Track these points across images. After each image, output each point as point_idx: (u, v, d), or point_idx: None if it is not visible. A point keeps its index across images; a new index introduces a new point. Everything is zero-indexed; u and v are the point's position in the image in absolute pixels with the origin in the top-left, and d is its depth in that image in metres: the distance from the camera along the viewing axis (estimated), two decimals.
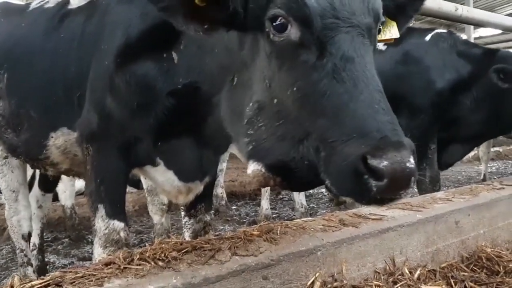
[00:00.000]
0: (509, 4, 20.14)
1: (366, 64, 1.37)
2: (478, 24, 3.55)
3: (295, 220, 2.51)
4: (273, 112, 1.48)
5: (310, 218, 2.57)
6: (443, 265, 2.76)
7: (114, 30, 2.20)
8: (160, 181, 2.39)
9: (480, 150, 8.64)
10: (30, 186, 3.97)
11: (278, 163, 1.47)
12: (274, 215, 6.11)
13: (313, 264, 2.16)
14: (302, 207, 5.70)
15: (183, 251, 1.89)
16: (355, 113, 1.29)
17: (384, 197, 1.28)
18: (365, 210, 2.84)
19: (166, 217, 4.49)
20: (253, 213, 6.62)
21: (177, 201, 2.53)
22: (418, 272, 2.52)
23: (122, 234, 2.30)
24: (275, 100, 1.47)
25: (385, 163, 1.20)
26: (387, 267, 2.50)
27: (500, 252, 2.94)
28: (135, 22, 2.14)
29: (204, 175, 2.38)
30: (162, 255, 1.85)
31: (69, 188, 5.63)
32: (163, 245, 1.94)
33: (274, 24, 1.44)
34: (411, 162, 1.23)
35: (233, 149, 2.13)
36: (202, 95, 2.01)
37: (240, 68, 1.67)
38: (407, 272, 2.50)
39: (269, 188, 5.75)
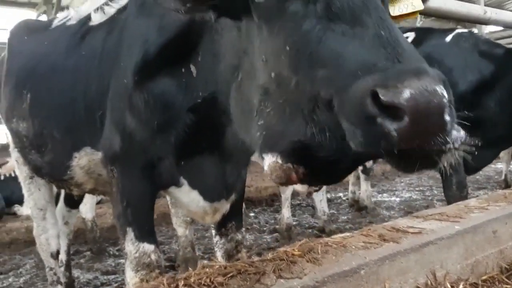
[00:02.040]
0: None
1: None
2: (506, 26, 3.49)
3: (333, 237, 2.46)
4: (275, 90, 1.28)
5: (348, 234, 2.52)
6: (484, 278, 2.70)
7: (132, 46, 2.16)
8: (185, 202, 2.35)
9: None
10: (56, 202, 3.95)
11: (294, 145, 1.23)
12: (294, 222, 6.06)
13: (357, 284, 2.11)
14: (324, 215, 5.64)
15: (228, 276, 1.85)
16: (360, 50, 1.08)
17: (413, 152, 0.99)
18: (402, 222, 2.79)
19: (190, 229, 4.46)
20: (272, 221, 6.58)
21: (204, 222, 2.49)
22: (461, 286, 2.46)
23: (153, 256, 2.26)
24: (273, 74, 1.28)
25: (402, 93, 0.94)
26: (429, 282, 2.45)
27: None
28: (152, 36, 2.09)
29: (229, 193, 2.33)
30: (208, 280, 1.81)
31: (89, 201, 5.63)
32: (207, 269, 1.90)
33: None
34: (439, 90, 0.96)
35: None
36: (219, 106, 1.96)
37: (242, 60, 1.58)
38: (449, 287, 2.45)
39: (290, 195, 5.70)
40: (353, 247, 2.29)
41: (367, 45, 1.07)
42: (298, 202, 7.76)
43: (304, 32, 1.18)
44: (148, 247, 2.25)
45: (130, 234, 2.25)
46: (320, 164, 1.22)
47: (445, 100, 0.96)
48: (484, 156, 4.43)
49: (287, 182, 1.30)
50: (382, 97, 0.95)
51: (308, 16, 1.19)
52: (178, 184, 2.23)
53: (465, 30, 4.43)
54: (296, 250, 2.17)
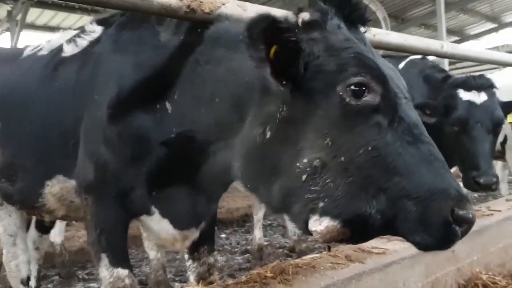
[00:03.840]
0: (478, 24, 20.96)
1: (424, 128, 1.59)
2: (462, 59, 3.75)
3: (303, 258, 2.58)
4: (341, 169, 1.51)
5: (317, 255, 2.65)
6: None
7: (107, 80, 2.22)
8: (155, 230, 2.39)
9: None
10: (27, 227, 3.92)
11: (355, 218, 1.50)
12: (265, 243, 6.15)
13: None
14: (295, 235, 5.75)
15: None
16: (430, 171, 1.50)
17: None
18: (367, 244, 2.94)
19: (161, 252, 4.50)
20: (244, 241, 6.65)
21: (174, 248, 2.55)
22: None
23: (127, 281, 2.31)
24: (343, 158, 1.51)
25: (467, 212, 1.45)
26: None
27: (494, 278, 3.07)
28: (128, 72, 2.16)
29: (199, 222, 2.39)
30: None
31: (58, 224, 5.56)
32: None
33: (354, 89, 1.52)
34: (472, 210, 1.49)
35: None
36: (196, 144, 2.04)
37: (279, 123, 1.64)
38: None
39: (262, 216, 5.80)
40: (322, 267, 2.41)
41: (435, 170, 1.51)
42: (269, 222, 7.86)
43: (387, 143, 1.50)
44: (122, 272, 2.29)
45: (104, 260, 2.28)
46: (366, 232, 1.56)
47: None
48: None
49: (334, 241, 1.59)
50: (459, 213, 1.44)
51: (390, 132, 1.51)
52: (149, 213, 2.29)
53: (418, 57, 4.66)
54: (269, 272, 2.28)
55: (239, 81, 1.82)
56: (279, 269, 2.32)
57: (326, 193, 1.52)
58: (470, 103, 3.90)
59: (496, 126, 3.92)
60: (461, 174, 4.09)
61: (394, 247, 2.82)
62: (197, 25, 2.12)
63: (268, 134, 1.65)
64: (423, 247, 1.54)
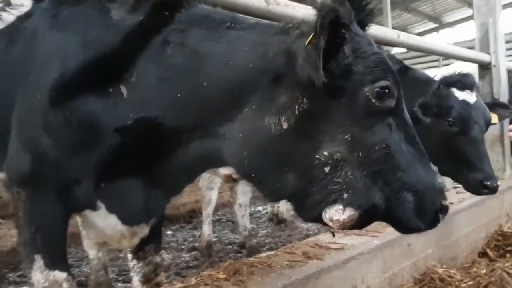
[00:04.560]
0: (420, 24, 21.68)
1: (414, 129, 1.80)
2: (416, 49, 3.70)
3: (258, 256, 2.42)
4: (358, 163, 1.63)
5: (273, 252, 2.48)
6: None
7: (47, 60, 1.95)
8: (100, 226, 2.15)
9: None
10: None
11: (371, 208, 1.64)
12: (214, 239, 5.94)
13: None
14: (245, 230, 5.57)
15: None
16: (423, 168, 1.72)
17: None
18: (324, 238, 2.81)
19: (102, 251, 4.19)
20: (191, 238, 6.40)
21: (119, 246, 2.32)
22: None
23: (65, 285, 2.06)
24: (360, 153, 1.62)
25: (446, 203, 1.73)
26: None
27: (450, 272, 3.04)
28: (75, 52, 1.92)
29: (151, 217, 2.17)
30: None
31: None
32: None
33: (379, 91, 1.62)
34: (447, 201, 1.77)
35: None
36: (164, 132, 1.85)
37: (298, 116, 1.65)
38: None
39: (211, 211, 5.60)
40: (278, 266, 2.25)
41: (424, 165, 1.73)
42: (218, 217, 7.62)
43: (396, 142, 1.67)
44: (60, 275, 2.04)
45: (39, 262, 2.02)
46: (372, 219, 1.72)
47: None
48: None
49: (350, 228, 1.72)
50: (443, 203, 1.71)
51: (397, 132, 1.69)
52: (94, 208, 2.05)
53: None
54: (221, 273, 2.09)
55: (240, 68, 1.73)
56: (233, 270, 2.14)
57: (348, 185, 1.62)
58: (466, 103, 3.77)
59: (487, 126, 3.87)
60: None
61: (352, 242, 2.72)
62: (162, 6, 1.92)
63: (285, 125, 1.65)
64: (415, 231, 1.77)
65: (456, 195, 4.02)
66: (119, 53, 1.90)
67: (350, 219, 1.63)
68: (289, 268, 2.24)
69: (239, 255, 5.47)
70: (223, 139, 1.78)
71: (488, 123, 3.84)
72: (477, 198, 3.94)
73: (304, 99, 1.63)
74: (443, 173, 4.13)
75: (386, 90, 1.63)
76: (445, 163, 3.77)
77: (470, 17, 22.51)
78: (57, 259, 2.05)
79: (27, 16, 2.16)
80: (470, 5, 21.56)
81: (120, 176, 1.98)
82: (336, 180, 1.63)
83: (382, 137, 1.65)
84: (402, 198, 1.66)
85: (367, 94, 1.61)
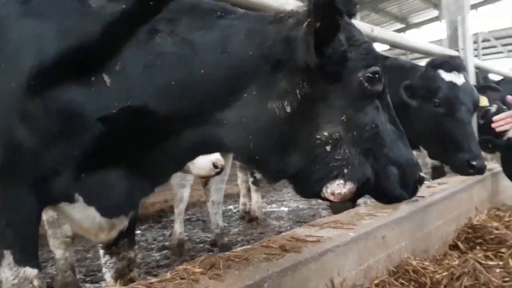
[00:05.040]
0: (387, 24, 22.02)
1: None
2: (389, 44, 3.72)
3: (235, 250, 2.36)
4: (353, 141, 1.78)
5: (249, 246, 2.43)
6: (376, 282, 2.79)
7: (22, 48, 1.86)
8: (77, 219, 2.07)
9: None
10: None
11: (366, 181, 1.81)
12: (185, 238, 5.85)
13: None
14: (217, 228, 5.49)
15: None
16: (403, 145, 1.93)
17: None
18: (300, 231, 2.78)
19: (70, 251, 4.05)
20: (161, 237, 6.28)
21: (96, 239, 2.22)
22: None
23: (36, 283, 1.95)
24: (355, 132, 1.78)
25: (423, 175, 1.99)
26: None
27: (424, 264, 3.06)
28: (52, 40, 1.84)
29: (131, 208, 2.12)
30: None
31: None
32: None
33: (371, 76, 1.78)
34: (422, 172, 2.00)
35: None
36: (155, 120, 1.81)
37: (300, 99, 1.75)
38: None
39: (184, 209, 5.51)
40: (256, 259, 2.20)
41: (404, 142, 1.95)
42: (188, 217, 7.51)
43: (383, 122, 1.87)
44: (31, 271, 1.94)
45: (8, 258, 1.91)
46: (364, 192, 1.89)
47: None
48: None
49: (347, 200, 1.89)
50: (421, 175, 1.96)
51: (384, 113, 1.89)
52: (72, 200, 1.97)
53: None
54: (197, 267, 2.02)
55: (238, 55, 1.77)
56: (209, 264, 2.08)
57: (347, 161, 1.77)
58: (453, 84, 3.77)
59: (476, 107, 3.86)
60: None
61: (328, 234, 2.70)
62: None
63: (289, 109, 1.74)
64: (399, 200, 1.97)
65: (427, 189, 4.05)
66: (100, 42, 1.84)
67: (350, 192, 1.78)
68: (266, 261, 2.19)
69: (210, 253, 5.39)
70: (221, 125, 1.82)
71: (476, 105, 3.87)
72: (448, 192, 4.00)
73: (305, 84, 1.74)
74: (432, 156, 4.15)
75: (376, 75, 1.79)
76: (434, 145, 3.78)
77: (435, 18, 23.09)
78: (28, 255, 1.95)
79: None
80: (436, 6, 22.10)
81: (103, 167, 1.91)
82: (337, 157, 1.77)
83: (372, 118, 1.83)
84: (388, 171, 1.88)
85: (361, 79, 1.77)
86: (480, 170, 3.72)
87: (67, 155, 1.85)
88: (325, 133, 1.76)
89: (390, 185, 1.89)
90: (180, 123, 1.84)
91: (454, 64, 3.86)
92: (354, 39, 1.80)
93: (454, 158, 3.82)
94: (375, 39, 3.52)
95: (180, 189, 5.38)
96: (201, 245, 5.80)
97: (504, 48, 26.30)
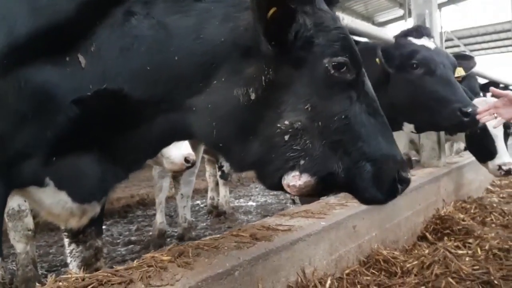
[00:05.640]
0: None
1: (378, 102, 1.83)
2: (360, 34, 3.70)
3: (204, 239, 2.29)
4: (318, 132, 1.67)
5: (219, 235, 2.36)
6: (347, 271, 2.77)
7: None
8: (47, 204, 1.97)
9: None
10: None
11: (328, 175, 1.67)
12: (150, 233, 5.73)
13: (230, 286, 1.97)
14: (185, 222, 5.41)
15: None
16: (384, 139, 1.76)
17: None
18: (271, 221, 2.73)
19: (31, 245, 3.89)
20: (127, 232, 6.15)
21: (66, 226, 2.12)
22: (328, 282, 2.47)
23: None
24: (320, 123, 1.67)
25: (406, 174, 1.76)
26: (299, 279, 2.41)
27: (394, 253, 3.06)
28: (24, 18, 1.74)
29: (104, 194, 2.03)
30: None
31: None
32: (61, 283, 1.58)
33: (338, 64, 1.67)
34: (409, 173, 1.80)
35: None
36: (129, 105, 1.74)
37: (265, 87, 1.68)
38: (318, 283, 2.44)
39: (164, 199, 5.43)
40: (226, 248, 2.14)
41: (387, 138, 1.78)
42: (154, 212, 7.39)
43: (356, 113, 1.71)
44: None
45: None
46: (332, 187, 1.78)
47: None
48: None
49: (305, 194, 1.75)
50: (402, 174, 1.75)
51: (358, 104, 1.73)
52: (41, 185, 1.87)
53: None
54: (165, 255, 1.95)
55: (212, 41, 1.72)
56: (178, 251, 2.01)
57: (306, 152, 1.67)
58: (426, 47, 3.71)
59: (454, 68, 3.73)
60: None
61: (299, 223, 2.66)
62: None
63: (253, 96, 1.68)
64: (372, 201, 1.80)
65: None
66: (74, 20, 1.75)
67: (306, 185, 1.67)
68: (237, 250, 2.13)
69: None
70: (190, 112, 1.77)
71: (454, 66, 3.78)
72: (416, 183, 4.03)
73: (270, 70, 1.67)
74: (419, 126, 4.03)
75: (345, 62, 1.68)
76: (420, 112, 3.65)
77: (401, 17, 23.52)
78: None
79: None
80: (401, 5, 22.51)
81: (75, 150, 1.83)
82: (294, 147, 1.67)
83: (342, 108, 1.70)
84: (361, 167, 1.70)
85: (326, 65, 1.67)
86: (474, 118, 3.31)
87: (39, 138, 1.76)
88: (286, 122, 1.68)
89: (361, 183, 1.71)
90: (153, 109, 1.78)
91: (422, 30, 3.85)
92: (323, 25, 1.70)
93: (443, 112, 3.52)
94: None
95: (160, 179, 5.33)
96: (168, 239, 5.69)
97: (466, 48, 27.13)
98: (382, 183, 1.71)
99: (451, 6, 23.85)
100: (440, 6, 21.69)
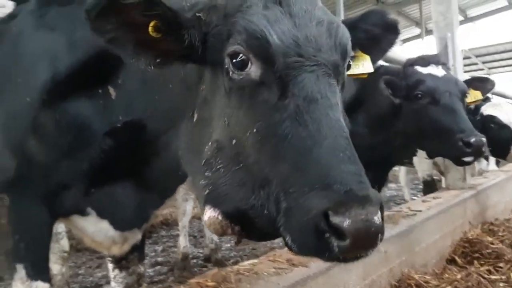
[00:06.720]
0: None
1: (331, 106, 1.27)
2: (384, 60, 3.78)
3: (242, 264, 2.36)
4: (232, 154, 1.33)
5: (256, 260, 2.43)
6: None
7: (36, 62, 1.88)
8: (90, 232, 2.08)
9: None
10: None
11: (236, 210, 1.32)
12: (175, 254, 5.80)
13: None
14: (212, 243, 5.48)
15: None
16: (318, 161, 1.18)
17: (348, 257, 1.15)
18: None
19: (66, 267, 4.00)
20: (153, 253, 6.19)
21: (109, 253, 2.21)
22: None
23: None
24: (234, 141, 1.33)
25: (348, 221, 1.07)
26: None
27: (425, 277, 3.08)
28: (63, 53, 1.85)
29: (143, 221, 2.12)
30: None
31: None
32: None
33: (233, 61, 1.33)
34: (377, 219, 1.10)
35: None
36: (148, 134, 1.81)
37: (201, 103, 1.50)
38: None
39: (187, 222, 5.49)
40: (265, 273, 2.21)
41: (327, 160, 1.17)
42: (177, 232, 7.46)
43: (274, 124, 1.26)
44: (42, 285, 1.94)
45: (21, 272, 1.91)
46: (255, 228, 1.33)
47: (379, 224, 1.11)
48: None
49: (223, 234, 1.39)
50: (331, 219, 1.08)
51: (279, 110, 1.26)
52: (83, 214, 1.97)
53: None
54: (209, 280, 2.02)
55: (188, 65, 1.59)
56: (221, 277, 2.08)
57: (212, 180, 1.38)
58: (432, 76, 3.72)
59: (463, 96, 3.73)
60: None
61: None
62: None
63: (196, 117, 1.51)
64: (297, 251, 1.23)
65: (423, 203, 4.10)
66: (105, 54, 1.79)
67: (211, 222, 1.36)
68: (276, 276, 2.20)
69: (205, 269, 5.34)
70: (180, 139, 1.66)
71: (463, 93, 3.76)
72: (443, 206, 4.05)
73: (203, 86, 1.48)
74: (430, 154, 4.03)
75: (242, 58, 1.32)
76: (428, 140, 3.68)
77: (417, 36, 23.54)
78: (40, 269, 1.96)
79: (11, 17, 2.07)
80: (417, 24, 22.55)
81: (112, 180, 1.92)
82: (206, 174, 1.40)
83: (253, 119, 1.30)
84: (279, 201, 1.21)
85: (226, 66, 1.35)
86: (478, 148, 3.30)
87: (77, 169, 1.86)
88: (210, 143, 1.41)
89: (280, 225, 1.20)
90: (164, 136, 1.77)
91: (430, 58, 3.87)
92: (229, 14, 1.37)
93: (448, 143, 3.50)
94: None
95: (184, 202, 5.41)
96: (195, 260, 5.75)
97: (484, 66, 26.98)
98: (299, 229, 1.15)
99: (468, 24, 23.84)
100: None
